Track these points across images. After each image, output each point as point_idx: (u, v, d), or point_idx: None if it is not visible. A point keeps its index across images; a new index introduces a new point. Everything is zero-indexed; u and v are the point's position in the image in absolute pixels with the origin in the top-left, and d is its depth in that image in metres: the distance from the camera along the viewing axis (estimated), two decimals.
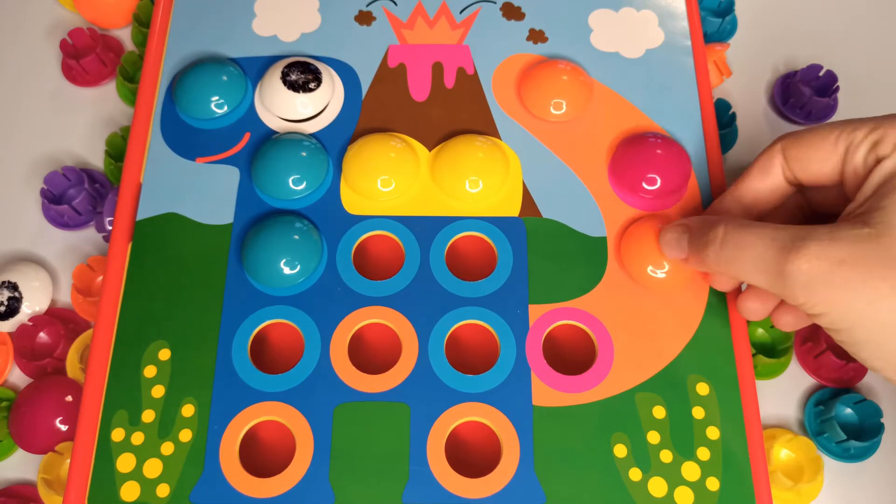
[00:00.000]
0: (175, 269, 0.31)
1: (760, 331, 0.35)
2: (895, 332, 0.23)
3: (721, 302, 0.31)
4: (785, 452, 0.32)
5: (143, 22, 0.41)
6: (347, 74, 0.35)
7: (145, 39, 0.40)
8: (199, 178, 0.33)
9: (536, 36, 0.36)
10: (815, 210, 0.30)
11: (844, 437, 0.32)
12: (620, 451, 0.28)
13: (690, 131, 0.34)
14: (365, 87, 0.35)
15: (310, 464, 0.28)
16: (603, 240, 0.32)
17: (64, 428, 0.32)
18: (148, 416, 0.29)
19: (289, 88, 0.33)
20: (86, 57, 0.39)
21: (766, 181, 0.28)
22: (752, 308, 0.29)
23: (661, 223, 0.31)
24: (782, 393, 0.34)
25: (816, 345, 0.34)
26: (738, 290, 0.30)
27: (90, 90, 0.41)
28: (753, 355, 0.34)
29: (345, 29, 0.36)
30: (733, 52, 0.41)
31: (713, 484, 0.28)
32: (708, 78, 0.35)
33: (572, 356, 0.30)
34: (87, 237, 0.37)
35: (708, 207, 0.31)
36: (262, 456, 0.29)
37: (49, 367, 0.34)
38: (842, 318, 0.24)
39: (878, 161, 0.25)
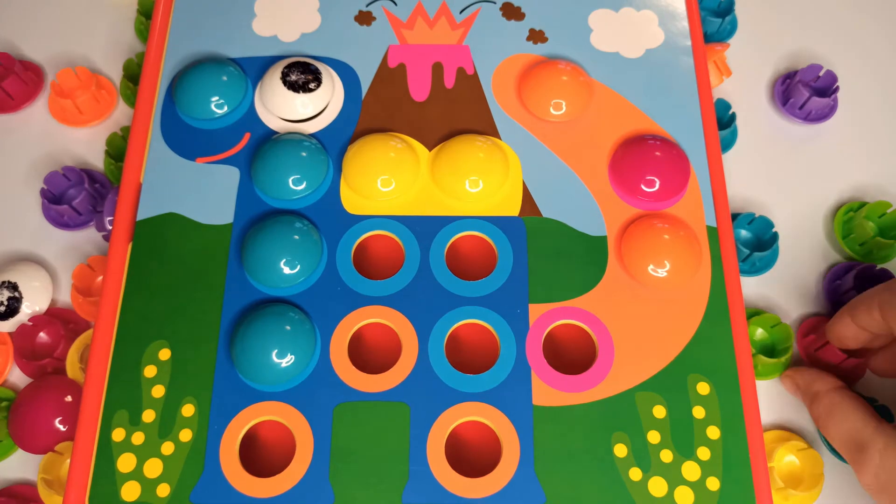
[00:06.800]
0: (175, 269, 0.31)
1: (760, 331, 0.35)
2: None
3: (721, 302, 0.31)
4: (789, 458, 0.32)
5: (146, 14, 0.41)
6: (347, 74, 0.35)
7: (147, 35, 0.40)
8: (199, 178, 0.33)
9: (536, 36, 0.36)
10: None
11: None
12: (620, 450, 0.28)
13: (690, 131, 0.34)
14: (365, 87, 0.35)
15: (310, 464, 0.28)
16: (603, 239, 0.32)
17: (64, 428, 0.32)
18: (148, 415, 0.29)
19: (289, 89, 0.33)
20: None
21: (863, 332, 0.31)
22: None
23: (662, 223, 0.31)
24: (783, 393, 0.34)
25: (819, 338, 0.34)
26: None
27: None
28: (753, 355, 0.34)
29: (345, 29, 0.36)
30: (733, 52, 0.41)
31: (713, 484, 0.28)
32: (708, 78, 0.35)
33: (572, 356, 0.30)
34: (87, 237, 0.37)
35: (830, 325, 0.32)
36: (262, 456, 0.29)
37: (49, 367, 0.34)
38: None
39: None
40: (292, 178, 0.32)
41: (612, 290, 0.31)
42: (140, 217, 0.32)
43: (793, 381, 0.33)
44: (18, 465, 0.33)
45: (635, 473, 0.28)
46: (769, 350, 0.35)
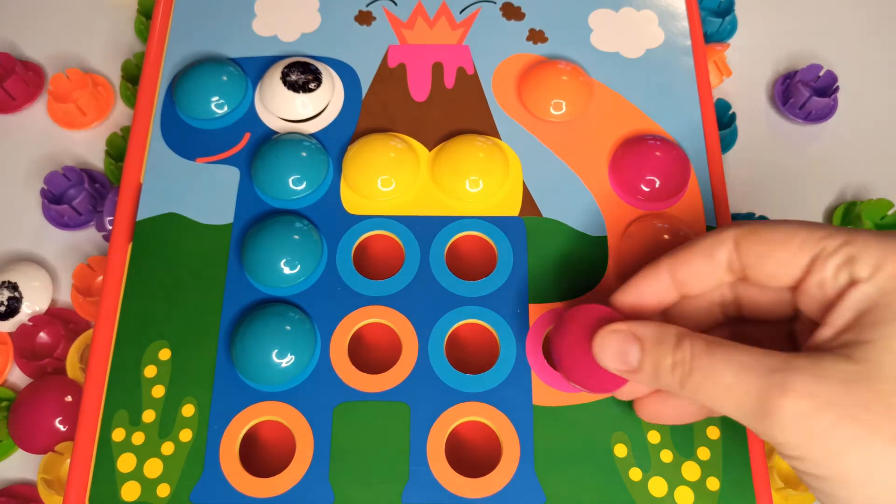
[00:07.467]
0: (175, 269, 0.31)
1: None
2: (888, 493, 0.20)
3: None
4: None
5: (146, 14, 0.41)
6: (347, 74, 0.35)
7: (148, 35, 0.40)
8: (199, 178, 0.33)
9: (536, 36, 0.36)
10: (741, 308, 0.27)
11: None
12: (620, 450, 0.28)
13: (690, 131, 0.34)
14: (365, 87, 0.35)
15: (310, 464, 0.28)
16: (603, 239, 0.32)
17: (64, 428, 0.33)
18: (148, 415, 0.29)
19: (289, 89, 0.33)
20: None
21: (707, 265, 0.25)
22: (664, 415, 0.27)
23: (662, 223, 0.31)
24: None
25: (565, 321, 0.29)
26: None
27: None
28: None
29: (345, 29, 0.36)
30: (733, 52, 0.41)
31: (713, 484, 0.28)
32: (708, 78, 0.35)
33: None
34: (87, 237, 0.37)
35: (638, 275, 0.27)
36: (262, 456, 0.29)
37: (49, 367, 0.34)
38: (822, 466, 0.21)
39: (853, 283, 0.22)
40: (292, 178, 0.32)
41: (613, 291, 0.31)
42: (140, 217, 0.32)
43: (632, 336, 0.25)
44: (18, 465, 0.33)
45: (635, 473, 0.28)
46: None
